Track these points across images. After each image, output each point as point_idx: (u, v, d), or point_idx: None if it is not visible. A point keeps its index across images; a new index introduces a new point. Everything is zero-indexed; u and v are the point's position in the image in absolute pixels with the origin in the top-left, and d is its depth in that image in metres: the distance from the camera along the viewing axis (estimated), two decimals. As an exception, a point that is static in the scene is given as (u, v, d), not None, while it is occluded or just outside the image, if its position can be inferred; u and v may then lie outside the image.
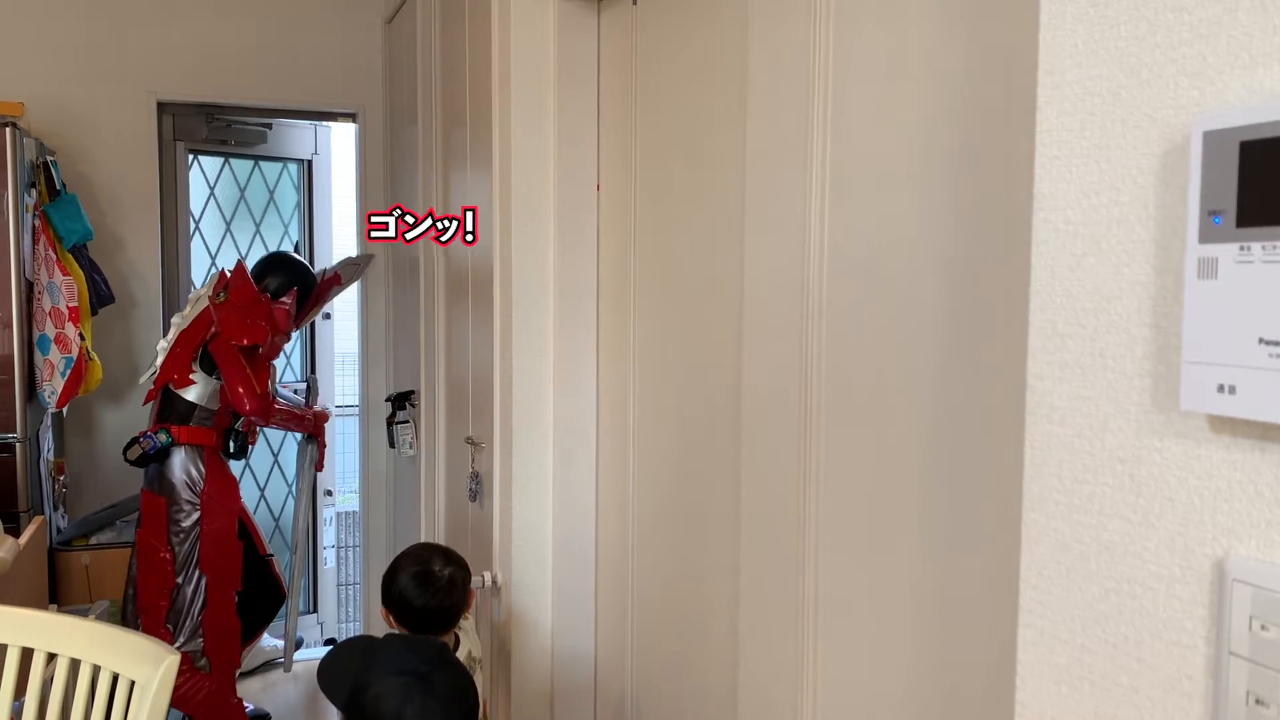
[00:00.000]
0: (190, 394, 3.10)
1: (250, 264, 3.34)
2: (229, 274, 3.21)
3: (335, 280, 3.56)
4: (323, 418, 3.60)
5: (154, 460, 3.09)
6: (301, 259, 3.57)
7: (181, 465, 3.09)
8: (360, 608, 4.27)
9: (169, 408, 3.12)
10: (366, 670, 1.63)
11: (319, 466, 3.65)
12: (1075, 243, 0.76)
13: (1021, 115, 1.02)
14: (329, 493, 4.32)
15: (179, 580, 3.06)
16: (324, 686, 1.71)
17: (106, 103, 3.58)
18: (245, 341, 3.03)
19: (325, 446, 3.64)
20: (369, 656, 1.68)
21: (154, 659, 1.52)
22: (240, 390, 3.03)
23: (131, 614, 3.13)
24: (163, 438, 3.06)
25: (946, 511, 1.20)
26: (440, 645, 1.77)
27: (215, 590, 3.09)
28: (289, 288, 3.26)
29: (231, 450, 3.23)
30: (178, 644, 3.03)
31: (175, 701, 2.95)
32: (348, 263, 3.67)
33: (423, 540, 3.11)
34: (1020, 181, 1.04)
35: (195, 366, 3.10)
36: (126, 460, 3.11)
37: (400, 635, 1.82)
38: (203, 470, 3.10)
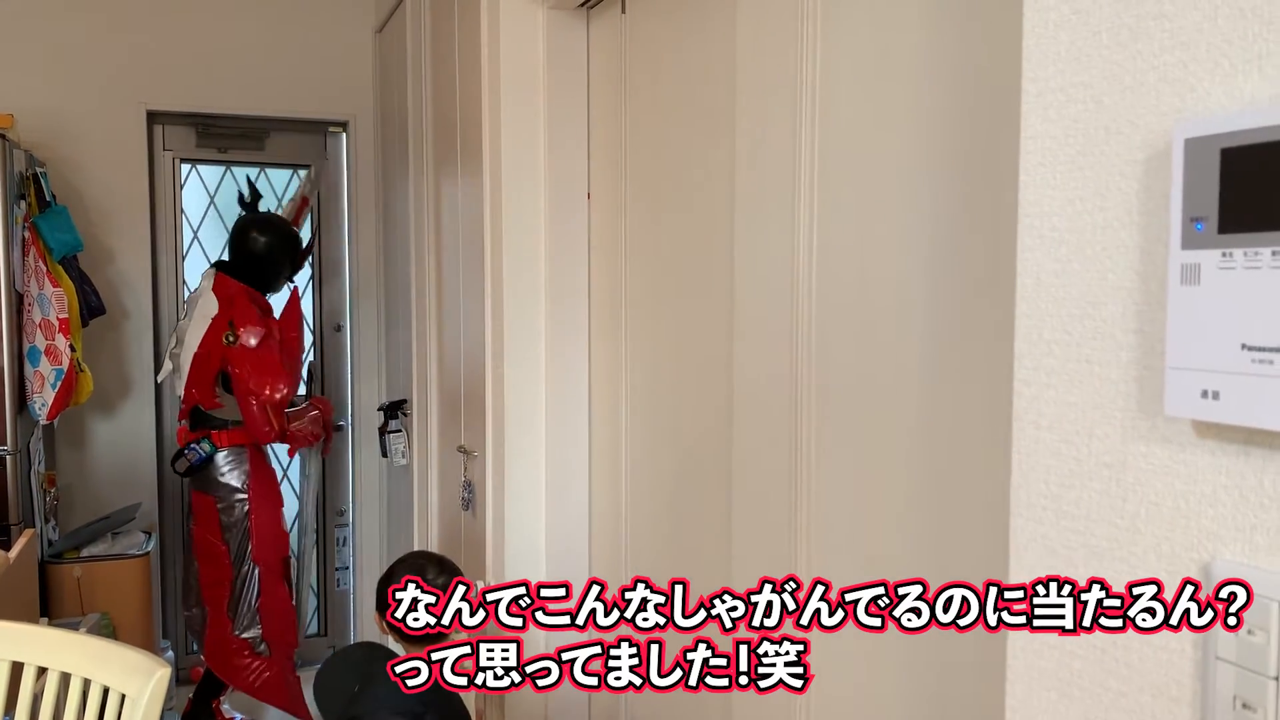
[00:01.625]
0: (221, 413, 3.30)
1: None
2: (210, 279, 3.29)
3: (305, 203, 3.64)
4: (326, 409, 3.61)
5: (202, 469, 3.30)
6: (271, 217, 3.52)
7: (227, 465, 3.30)
8: (355, 616, 4.25)
9: (204, 419, 3.31)
10: (361, 700, 1.63)
11: (325, 451, 3.69)
12: (1060, 249, 0.76)
13: (1008, 120, 1.02)
14: (341, 512, 4.27)
15: (235, 571, 3.31)
16: (318, 701, 1.70)
17: (96, 114, 3.58)
18: (276, 398, 3.19)
19: (330, 437, 3.67)
20: (365, 681, 1.67)
21: (145, 672, 1.51)
22: (259, 428, 3.23)
23: (195, 604, 3.41)
24: (206, 447, 3.28)
25: (935, 516, 1.20)
26: None
27: (268, 578, 3.33)
28: (275, 246, 3.39)
29: None
30: (237, 631, 3.32)
31: (248, 688, 3.34)
32: (307, 181, 3.71)
33: (415, 549, 3.11)
34: (1007, 186, 1.04)
35: (219, 390, 3.27)
36: (176, 472, 3.34)
37: (387, 655, 1.80)
38: (247, 467, 3.31)
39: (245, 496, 3.30)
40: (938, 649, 1.20)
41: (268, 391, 3.17)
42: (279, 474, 3.60)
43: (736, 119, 1.55)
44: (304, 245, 3.52)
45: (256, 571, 3.33)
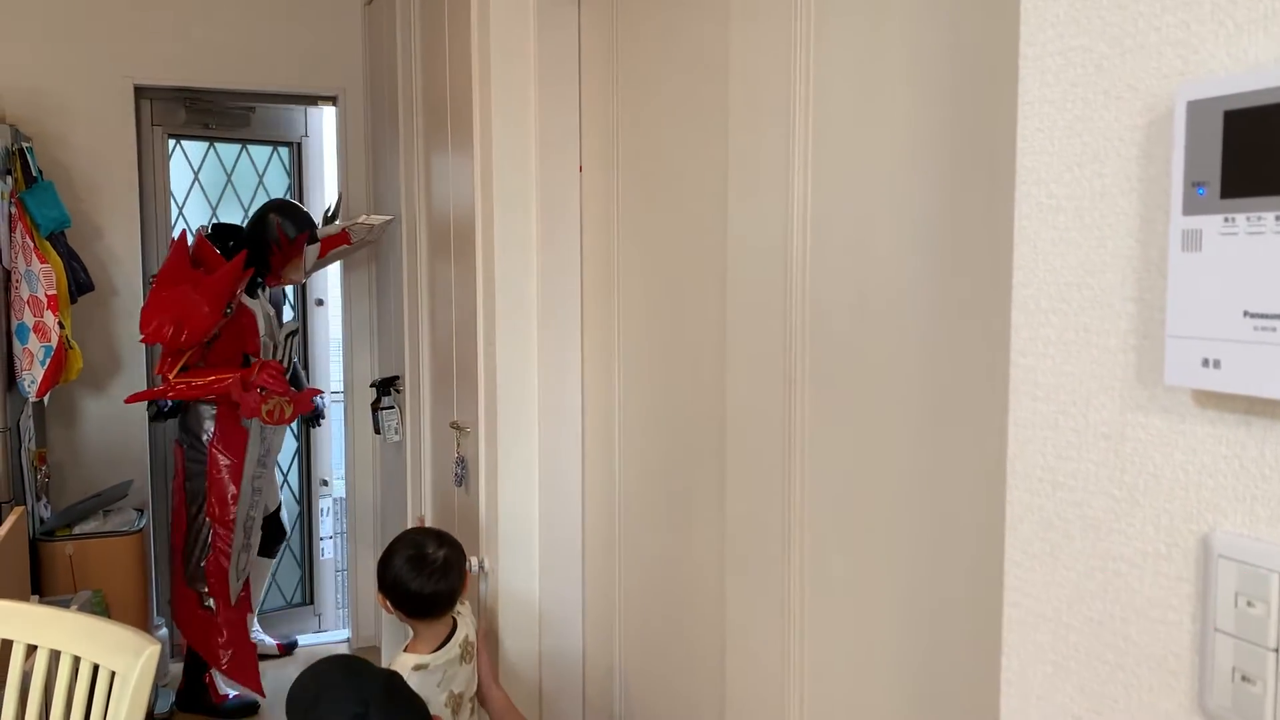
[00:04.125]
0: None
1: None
2: (174, 242, 3.33)
3: (344, 239, 3.62)
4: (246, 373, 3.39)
5: (171, 415, 3.42)
6: (300, 211, 3.60)
7: (195, 419, 3.38)
8: (348, 593, 4.25)
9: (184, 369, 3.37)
10: (313, 710, 1.64)
11: (245, 412, 3.44)
12: (1058, 217, 0.74)
13: (1003, 96, 1.01)
14: (325, 482, 4.28)
15: (190, 523, 3.40)
16: (287, 712, 1.72)
17: (83, 88, 3.53)
18: (143, 340, 3.22)
19: (253, 398, 3.43)
20: (317, 692, 1.68)
21: (134, 649, 1.51)
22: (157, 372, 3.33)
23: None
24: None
25: (932, 493, 1.19)
26: (384, 679, 1.74)
27: (220, 537, 3.38)
28: (273, 236, 3.44)
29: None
30: (187, 580, 3.43)
31: (191, 639, 3.44)
32: (357, 222, 3.69)
33: (409, 525, 3.10)
34: (1002, 161, 1.03)
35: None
36: (149, 416, 3.49)
37: (348, 669, 1.77)
38: (212, 424, 3.37)
39: (206, 451, 3.37)
40: (931, 631, 1.20)
41: (148, 331, 3.18)
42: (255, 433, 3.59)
43: (729, 94, 1.53)
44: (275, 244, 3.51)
45: (207, 527, 3.38)
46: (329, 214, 3.72)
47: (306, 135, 4.17)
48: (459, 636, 2.05)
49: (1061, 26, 0.74)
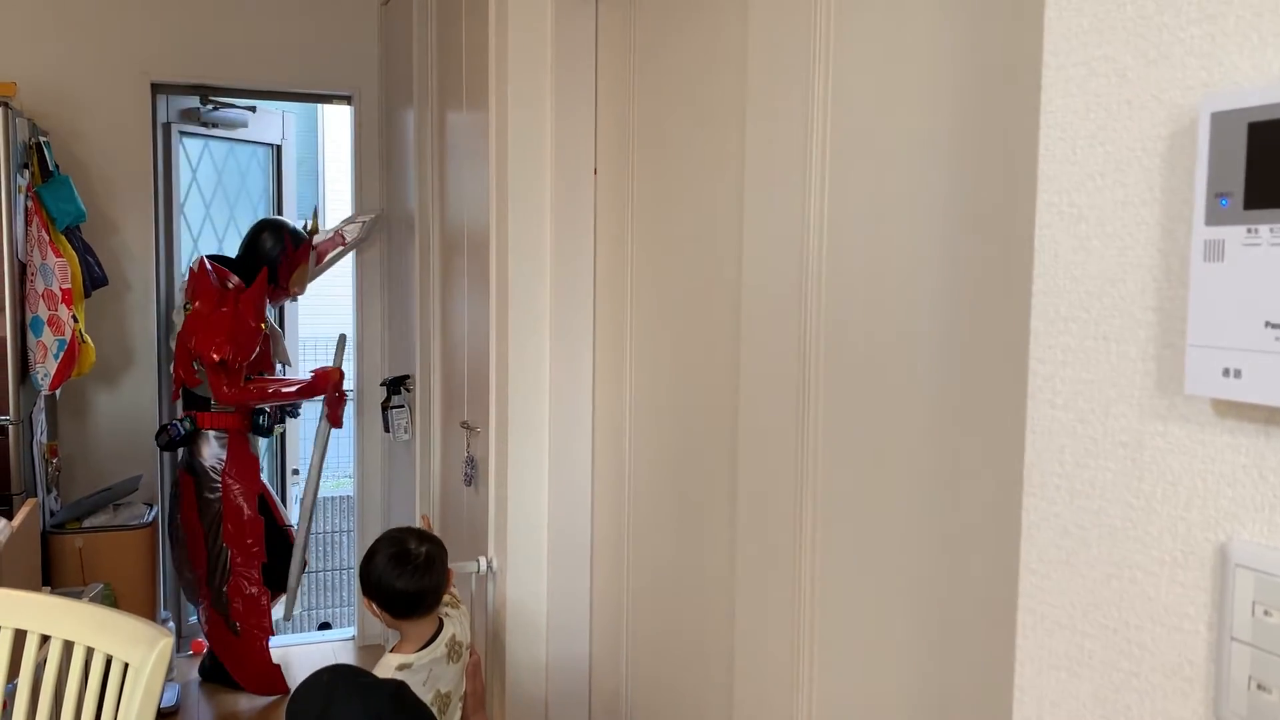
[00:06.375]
0: (203, 390, 3.42)
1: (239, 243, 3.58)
2: (194, 272, 3.43)
3: (339, 240, 3.70)
4: (323, 379, 3.61)
5: (182, 444, 3.45)
6: (290, 225, 3.68)
7: (207, 448, 3.44)
8: (354, 592, 4.27)
9: (192, 398, 3.45)
10: (321, 718, 1.63)
11: (334, 422, 3.68)
12: (1079, 225, 0.75)
13: (1024, 99, 1.01)
14: (295, 471, 4.34)
15: (209, 551, 3.44)
16: None
17: (100, 84, 3.55)
18: (216, 359, 3.29)
19: (340, 404, 3.67)
20: (325, 702, 1.67)
21: (148, 641, 1.51)
22: (215, 391, 3.37)
23: (186, 579, 3.60)
24: (187, 425, 3.43)
25: (947, 499, 1.19)
26: (393, 689, 1.73)
27: (238, 562, 3.44)
28: (279, 249, 3.51)
29: (261, 426, 3.54)
30: (216, 607, 3.49)
31: (218, 652, 3.51)
32: (350, 221, 3.78)
33: (416, 524, 3.11)
34: (1022, 166, 1.03)
35: (196, 366, 3.38)
36: (158, 445, 3.50)
37: (354, 681, 1.76)
38: (225, 452, 3.43)
39: (220, 480, 3.42)
40: (944, 637, 1.20)
41: (212, 352, 3.26)
42: (261, 460, 3.67)
43: (747, 97, 1.53)
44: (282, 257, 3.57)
45: (227, 554, 3.43)
46: (308, 226, 3.75)
47: (284, 139, 4.24)
48: (445, 635, 2.05)
49: (1085, 36, 0.74)
